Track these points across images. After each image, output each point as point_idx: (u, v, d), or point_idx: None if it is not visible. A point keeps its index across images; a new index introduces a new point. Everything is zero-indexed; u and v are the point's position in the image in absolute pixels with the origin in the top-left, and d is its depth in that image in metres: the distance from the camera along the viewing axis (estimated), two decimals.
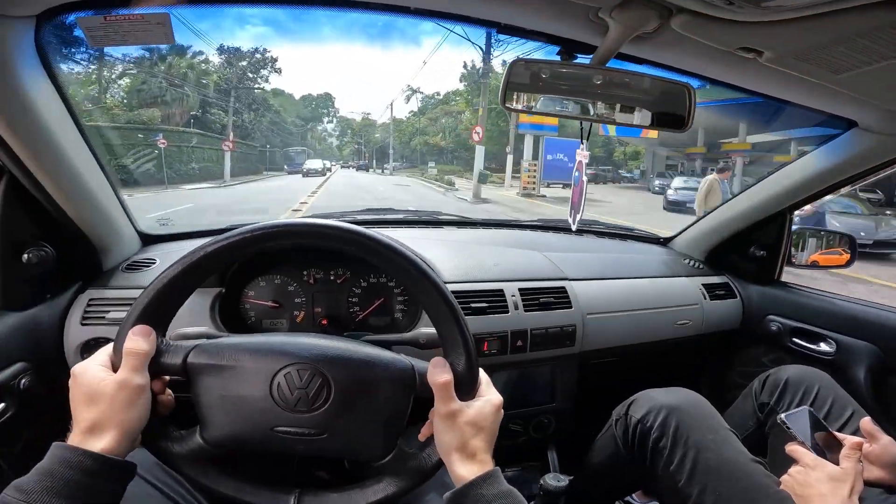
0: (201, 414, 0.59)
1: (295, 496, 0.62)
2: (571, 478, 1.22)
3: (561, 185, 17.67)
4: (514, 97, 0.77)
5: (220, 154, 20.14)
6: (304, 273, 1.09)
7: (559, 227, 1.65)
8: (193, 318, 0.95)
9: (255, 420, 0.58)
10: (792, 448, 0.85)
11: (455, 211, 1.88)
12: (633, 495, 1.27)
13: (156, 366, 0.57)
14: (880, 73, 0.73)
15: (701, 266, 1.55)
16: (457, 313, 0.60)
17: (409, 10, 0.77)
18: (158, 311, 0.58)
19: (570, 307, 1.21)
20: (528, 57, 0.76)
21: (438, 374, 0.58)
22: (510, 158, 19.75)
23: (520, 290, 1.17)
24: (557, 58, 0.79)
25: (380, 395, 0.60)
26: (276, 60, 30.45)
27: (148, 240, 1.18)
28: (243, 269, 1.06)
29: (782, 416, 0.89)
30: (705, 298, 1.42)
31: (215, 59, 27.21)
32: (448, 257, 1.21)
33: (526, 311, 1.15)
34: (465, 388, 0.60)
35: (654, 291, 1.38)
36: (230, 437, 0.59)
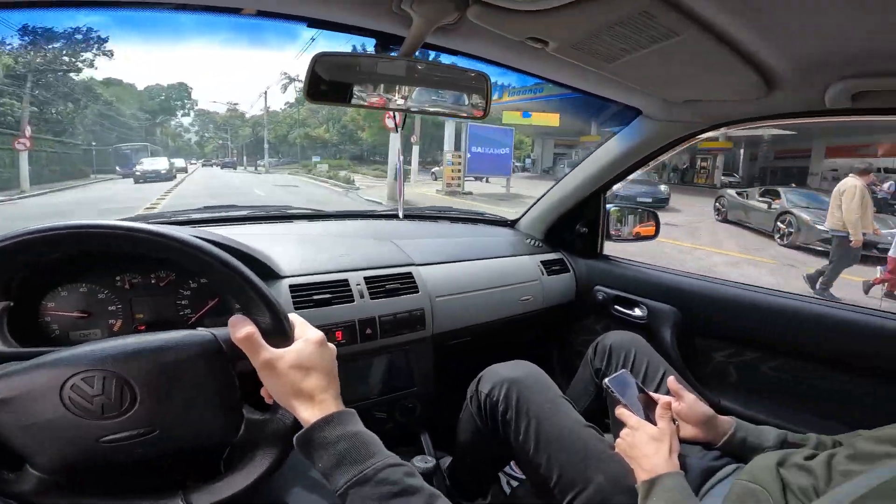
0: (13, 449, 0.54)
1: (181, 497, 0.59)
2: (444, 458, 1.27)
3: (484, 179, 16.51)
4: (322, 91, 0.76)
5: (13, 156, 14.48)
6: (118, 278, 0.97)
7: (412, 216, 1.69)
8: None
9: (73, 439, 0.54)
10: (619, 412, 0.91)
11: None
12: (512, 465, 1.33)
13: None
14: (642, 61, 0.84)
15: (540, 245, 1.70)
16: (238, 269, 0.59)
17: (212, 8, 0.74)
18: None
19: (418, 291, 1.24)
20: (333, 51, 0.76)
21: (237, 330, 0.57)
22: (416, 150, 17.60)
23: (365, 278, 1.17)
24: (372, 51, 0.81)
25: (191, 375, 0.57)
26: (104, 41, 23.75)
27: None
28: (38, 277, 0.91)
29: (605, 381, 0.95)
30: (543, 274, 1.57)
31: (14, 40, 20.50)
32: (291, 251, 1.17)
33: (372, 298, 1.16)
34: (276, 335, 0.59)
35: (498, 271, 1.48)
36: (58, 462, 0.55)
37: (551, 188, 1.66)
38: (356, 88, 0.79)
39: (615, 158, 1.38)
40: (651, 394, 0.95)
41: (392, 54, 0.81)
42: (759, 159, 20.58)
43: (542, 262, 1.60)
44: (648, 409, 0.91)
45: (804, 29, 0.71)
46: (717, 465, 0.86)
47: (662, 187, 12.89)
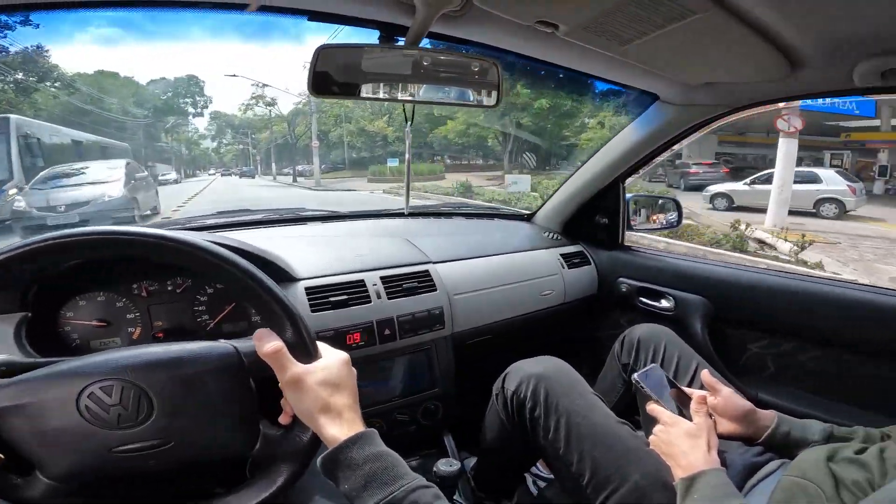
0: (26, 456, 0.55)
1: None
2: (468, 459, 1.25)
3: None
4: (327, 84, 0.75)
5: None
6: (134, 286, 0.98)
7: (426, 213, 1.68)
8: None
9: (85, 448, 0.55)
10: (651, 407, 0.88)
11: None
12: (539, 466, 1.30)
13: None
14: (658, 42, 0.81)
15: (559, 237, 1.67)
16: (263, 283, 0.58)
17: (216, 4, 0.74)
18: None
19: (435, 289, 1.22)
20: (336, 42, 0.74)
21: (263, 344, 0.56)
22: None
23: (381, 278, 1.16)
24: (376, 42, 0.79)
25: (210, 388, 0.57)
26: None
27: None
28: (56, 288, 0.92)
29: (635, 376, 0.92)
30: (563, 267, 1.53)
31: None
32: (305, 253, 1.17)
33: (389, 298, 1.14)
34: (302, 351, 0.58)
35: (517, 266, 1.45)
36: (70, 470, 0.55)
37: (567, 179, 1.63)
38: (363, 81, 0.78)
39: (633, 146, 1.34)
40: (684, 388, 0.92)
41: (398, 44, 0.79)
42: None
43: (561, 255, 1.57)
44: (682, 405, 0.88)
45: (830, 7, 0.68)
46: (761, 461, 0.84)
47: None
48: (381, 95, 0.77)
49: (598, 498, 0.82)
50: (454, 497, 1.08)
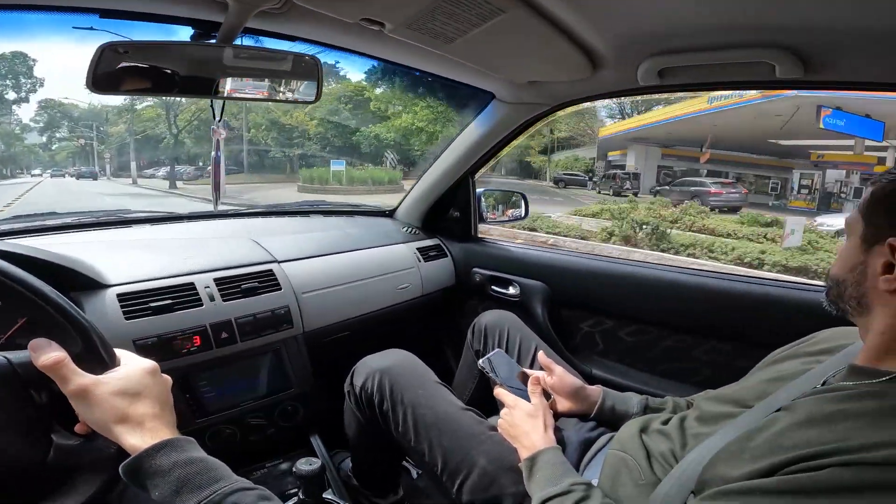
0: None
1: None
2: (341, 456, 1.21)
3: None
4: (111, 82, 0.67)
5: None
6: None
7: (281, 212, 1.60)
8: None
9: None
10: (497, 392, 0.91)
11: None
12: None
13: None
14: (477, 40, 0.85)
15: (417, 232, 1.70)
16: (39, 291, 0.54)
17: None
18: None
19: (280, 289, 1.17)
20: (124, 39, 0.67)
21: (40, 355, 0.52)
22: None
23: (215, 279, 1.07)
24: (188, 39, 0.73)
25: None
26: None
27: None
28: None
29: (479, 361, 0.95)
30: (420, 261, 1.57)
31: None
32: (122, 258, 1.04)
33: (225, 300, 1.06)
34: (94, 361, 0.55)
35: (371, 261, 1.45)
36: None
37: (423, 175, 1.67)
38: (167, 77, 0.71)
39: (475, 142, 1.42)
40: (526, 370, 0.97)
41: (209, 42, 0.74)
42: None
43: (418, 248, 1.60)
44: (526, 386, 0.91)
45: (617, 7, 0.76)
46: (594, 437, 0.88)
47: None
48: (182, 92, 0.71)
49: (454, 485, 0.84)
50: (324, 495, 1.05)
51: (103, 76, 0.66)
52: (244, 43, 0.75)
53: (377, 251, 1.50)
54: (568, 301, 1.48)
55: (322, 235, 1.47)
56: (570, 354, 1.38)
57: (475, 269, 1.66)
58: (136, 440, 0.52)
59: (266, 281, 1.15)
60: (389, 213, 1.81)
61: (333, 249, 1.40)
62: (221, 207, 1.45)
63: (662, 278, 1.29)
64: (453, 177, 1.56)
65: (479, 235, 1.73)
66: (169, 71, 0.71)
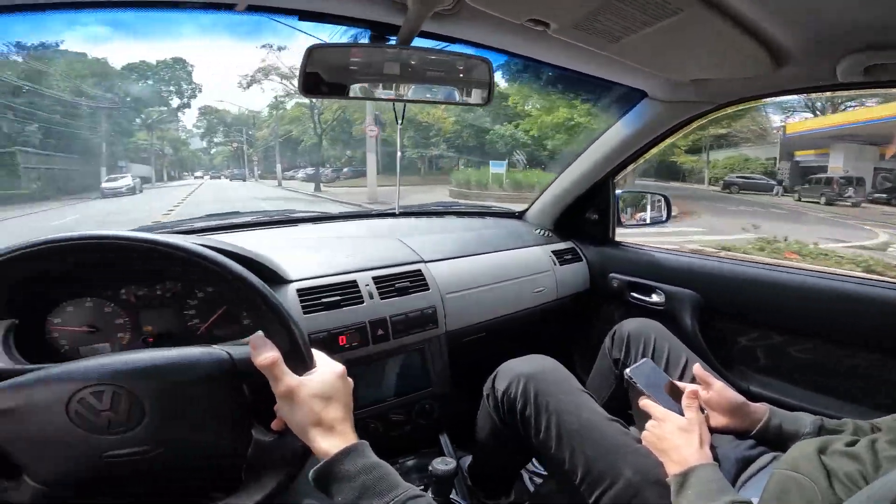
0: (14, 460, 0.54)
1: None
2: (465, 457, 1.24)
3: None
4: (317, 84, 0.74)
5: None
6: (122, 291, 0.96)
7: (417, 213, 1.68)
8: None
9: (75, 453, 0.54)
10: (644, 403, 0.88)
11: None
12: (535, 462, 1.29)
13: None
14: (646, 39, 0.81)
15: (550, 234, 1.67)
16: (258, 289, 0.57)
17: (205, 4, 0.74)
18: None
19: (428, 289, 1.22)
20: (327, 42, 0.74)
21: (259, 354, 0.56)
22: None
23: (373, 278, 1.15)
24: (367, 41, 0.79)
25: (203, 395, 0.57)
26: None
27: None
28: (44, 293, 0.91)
29: (627, 371, 0.92)
30: (555, 264, 1.54)
31: None
32: (296, 255, 1.16)
33: (382, 298, 1.14)
34: (297, 361, 0.58)
35: (509, 264, 1.45)
36: (59, 475, 0.55)
37: (557, 177, 1.63)
38: (353, 80, 0.77)
39: (622, 143, 1.35)
40: (676, 382, 0.92)
41: (389, 44, 0.79)
42: None
43: (553, 252, 1.57)
44: (674, 399, 0.88)
45: (814, 3, 0.68)
46: (753, 455, 0.83)
47: None
48: (371, 95, 0.77)
49: (593, 496, 0.82)
50: (451, 496, 1.08)
51: (310, 79, 0.73)
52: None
53: (514, 253, 1.50)
54: (724, 312, 1.35)
55: (461, 236, 1.51)
56: (723, 368, 1.26)
57: (612, 275, 1.58)
58: (327, 444, 0.54)
59: (416, 281, 1.21)
60: (519, 215, 1.80)
61: (473, 251, 1.42)
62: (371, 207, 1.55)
63: (843, 289, 1.12)
64: (593, 178, 1.50)
65: (617, 239, 1.65)
66: (360, 74, 0.77)
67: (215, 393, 0.57)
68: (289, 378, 0.56)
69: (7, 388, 0.53)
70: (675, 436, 0.80)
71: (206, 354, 0.58)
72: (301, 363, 0.58)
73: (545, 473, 1.28)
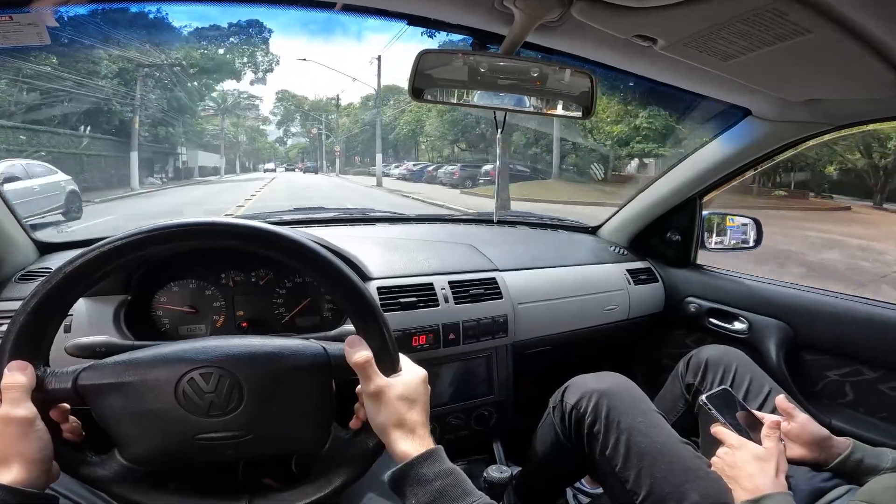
0: (112, 434, 0.57)
1: (246, 502, 0.60)
2: (519, 468, 1.24)
3: None
4: (425, 89, 0.77)
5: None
6: (223, 276, 1.04)
7: (489, 220, 1.68)
8: (96, 327, 0.89)
9: (171, 432, 0.56)
10: (717, 429, 0.87)
11: None
12: (583, 481, 1.29)
13: (42, 394, 0.53)
14: (763, 59, 0.78)
15: (625, 252, 1.62)
16: (359, 288, 0.58)
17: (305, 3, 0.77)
18: (32, 339, 0.54)
19: (501, 297, 1.22)
20: (437, 48, 0.76)
21: (355, 352, 0.57)
22: None
23: (450, 282, 1.17)
24: (468, 47, 0.80)
25: (297, 386, 0.59)
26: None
27: (46, 248, 1.11)
28: (154, 273, 1.00)
29: (703, 397, 0.90)
30: (630, 283, 1.49)
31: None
32: (377, 253, 1.20)
33: (456, 303, 1.15)
34: (386, 362, 0.59)
35: (582, 279, 1.42)
36: (151, 453, 0.57)
37: (638, 193, 1.58)
38: (458, 86, 0.79)
39: (719, 162, 1.28)
40: (755, 412, 0.90)
41: (492, 52, 0.80)
42: None
43: (628, 270, 1.52)
44: (751, 429, 0.86)
45: None
46: (828, 486, 0.82)
47: None
48: (475, 102, 0.78)
49: None
50: None
51: (420, 83, 0.76)
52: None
53: (587, 269, 1.47)
54: (814, 344, 1.27)
55: (534, 248, 1.50)
56: (804, 401, 1.19)
57: (690, 298, 1.51)
58: (407, 446, 0.55)
59: (490, 288, 1.22)
60: (592, 231, 1.76)
61: (547, 263, 1.41)
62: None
63: None
64: (680, 198, 1.43)
65: (699, 263, 1.56)
66: (464, 80, 0.78)
67: (308, 385, 0.60)
68: (378, 378, 0.57)
69: (126, 364, 0.56)
70: (750, 464, 0.79)
71: (306, 347, 0.60)
72: (390, 364, 0.59)
73: (592, 492, 1.27)
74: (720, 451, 0.84)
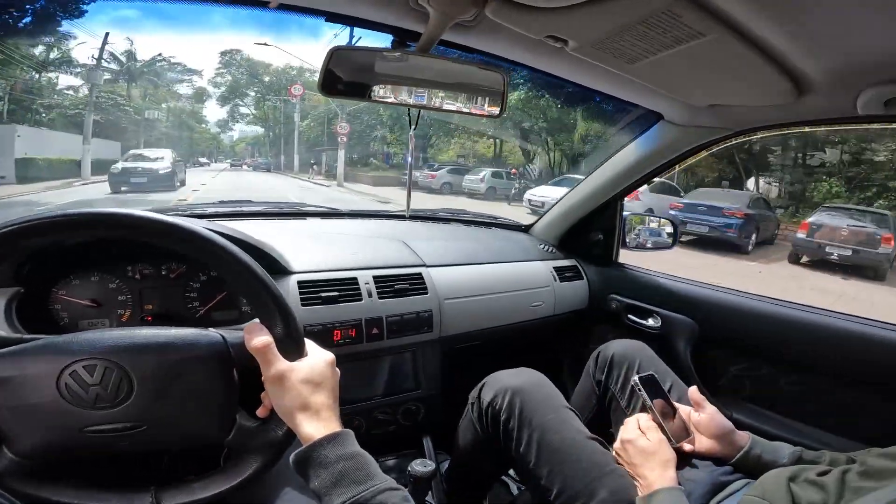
0: None
1: (152, 494, 0.58)
2: (446, 461, 1.25)
3: None
4: (336, 84, 0.76)
5: None
6: (129, 268, 0.98)
7: (425, 217, 1.69)
8: None
9: (57, 425, 0.54)
10: (625, 421, 0.91)
11: None
12: (513, 472, 1.29)
13: None
14: (665, 62, 0.81)
15: (554, 251, 1.67)
16: (257, 274, 0.58)
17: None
18: None
19: (427, 293, 1.23)
20: (348, 45, 0.76)
21: (253, 337, 0.56)
22: None
23: (374, 277, 1.16)
24: (388, 46, 0.80)
25: (193, 375, 0.57)
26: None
27: None
28: (51, 265, 0.92)
29: (635, 378, 0.93)
30: (556, 280, 1.54)
31: None
32: (301, 248, 1.17)
33: (380, 298, 1.14)
34: (290, 347, 0.59)
35: (510, 276, 1.46)
36: (39, 447, 0.55)
37: (566, 194, 1.63)
38: (372, 83, 0.79)
39: (633, 164, 1.35)
40: (674, 402, 0.93)
41: (409, 50, 0.80)
42: None
43: (554, 267, 1.57)
44: (664, 417, 0.89)
45: (837, 32, 0.68)
46: (727, 480, 0.85)
47: None
48: (389, 99, 0.78)
49: None
50: (426, 498, 1.08)
51: (331, 79, 0.75)
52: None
53: (515, 266, 1.50)
54: (718, 340, 1.36)
55: (465, 245, 1.52)
56: (709, 394, 1.26)
57: (612, 296, 1.58)
58: (311, 429, 0.55)
59: (416, 283, 1.22)
60: (525, 229, 1.80)
61: (476, 259, 1.43)
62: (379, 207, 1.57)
63: (832, 325, 1.13)
64: (602, 198, 1.50)
65: (620, 261, 1.64)
66: (378, 77, 0.78)
67: (206, 375, 0.58)
68: (279, 362, 0.57)
69: (5, 357, 0.53)
70: (637, 457, 0.82)
71: (202, 336, 0.59)
72: (293, 350, 0.59)
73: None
74: (615, 444, 0.88)
